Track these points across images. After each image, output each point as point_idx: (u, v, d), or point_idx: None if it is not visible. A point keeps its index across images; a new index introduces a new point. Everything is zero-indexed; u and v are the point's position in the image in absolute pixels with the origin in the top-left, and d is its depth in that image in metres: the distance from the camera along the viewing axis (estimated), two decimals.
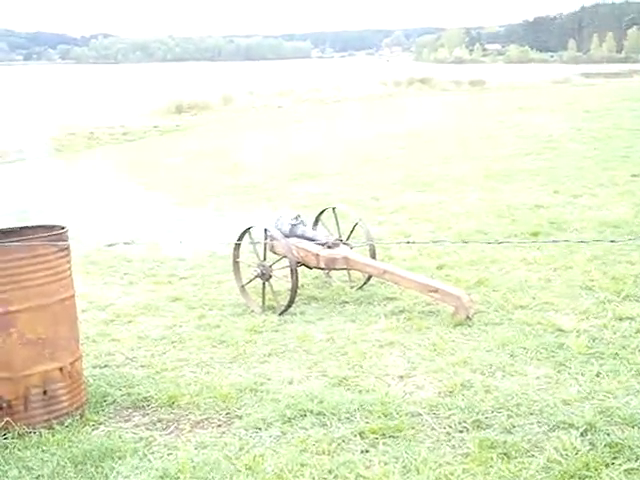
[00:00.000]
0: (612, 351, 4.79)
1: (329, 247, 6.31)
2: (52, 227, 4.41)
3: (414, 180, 12.07)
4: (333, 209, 6.97)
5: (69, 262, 4.35)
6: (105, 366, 5.13)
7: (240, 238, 6.31)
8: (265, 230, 6.33)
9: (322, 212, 7.04)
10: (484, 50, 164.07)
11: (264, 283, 6.27)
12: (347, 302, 6.28)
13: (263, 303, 6.24)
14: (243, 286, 6.43)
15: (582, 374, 4.50)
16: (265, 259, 6.32)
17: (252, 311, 6.16)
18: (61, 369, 4.26)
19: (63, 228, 4.35)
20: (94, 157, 19.62)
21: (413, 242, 7.58)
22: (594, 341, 4.99)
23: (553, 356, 4.80)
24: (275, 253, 6.44)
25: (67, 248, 4.30)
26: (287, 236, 6.35)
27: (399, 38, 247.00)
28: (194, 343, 5.51)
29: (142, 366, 5.11)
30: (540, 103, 24.94)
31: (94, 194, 12.36)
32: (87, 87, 58.99)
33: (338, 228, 6.85)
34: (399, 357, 5.00)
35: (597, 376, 4.45)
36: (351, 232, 6.82)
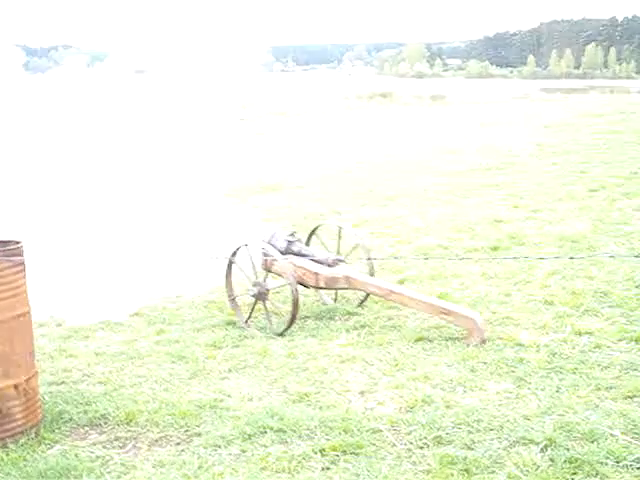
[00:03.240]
0: (572, 366, 4.82)
1: (329, 265, 6.08)
2: (7, 242, 4.33)
3: (375, 194, 12.10)
4: (339, 228, 6.73)
5: (24, 277, 4.27)
6: (62, 383, 5.04)
7: (234, 254, 6.11)
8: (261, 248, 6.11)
9: (315, 229, 6.84)
10: (445, 65, 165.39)
11: (256, 300, 6.09)
12: (308, 317, 6.24)
13: (249, 318, 6.10)
14: (234, 299, 6.24)
15: (542, 389, 4.51)
16: (256, 277, 6.10)
17: (234, 323, 6.05)
18: (16, 386, 4.17)
19: (18, 243, 4.27)
20: None
21: (374, 259, 7.51)
22: (554, 356, 5.02)
23: (513, 371, 4.82)
24: (269, 271, 6.18)
25: (22, 263, 4.22)
26: (283, 253, 6.12)
27: (360, 52, 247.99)
28: (153, 359, 5.43)
29: (99, 383, 5.02)
30: (500, 118, 25.25)
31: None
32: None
33: (337, 246, 6.60)
34: (360, 372, 4.98)
35: (557, 391, 4.48)
36: (351, 250, 6.62)
